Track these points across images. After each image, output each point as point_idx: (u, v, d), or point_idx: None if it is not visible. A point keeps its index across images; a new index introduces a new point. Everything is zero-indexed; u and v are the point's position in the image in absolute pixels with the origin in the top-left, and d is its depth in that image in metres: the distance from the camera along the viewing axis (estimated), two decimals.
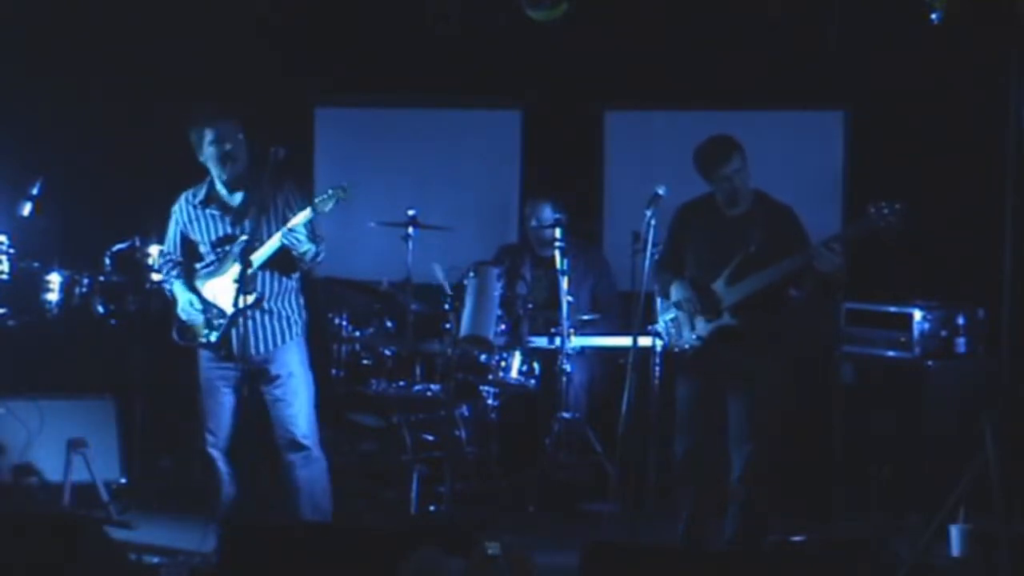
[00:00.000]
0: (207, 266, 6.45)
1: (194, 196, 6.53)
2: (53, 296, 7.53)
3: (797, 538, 6.47)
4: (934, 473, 6.84)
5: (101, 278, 7.61)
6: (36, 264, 7.59)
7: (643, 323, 6.58)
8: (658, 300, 6.64)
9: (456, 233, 7.66)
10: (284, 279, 6.42)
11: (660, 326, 6.59)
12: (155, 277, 6.72)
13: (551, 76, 8.29)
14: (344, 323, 7.58)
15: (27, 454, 7.17)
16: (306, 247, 6.25)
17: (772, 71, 7.93)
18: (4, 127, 7.93)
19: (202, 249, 6.47)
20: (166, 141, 8.26)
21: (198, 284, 6.45)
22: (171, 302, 6.56)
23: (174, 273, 6.53)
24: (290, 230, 6.19)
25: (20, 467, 7.16)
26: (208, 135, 6.40)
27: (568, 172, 8.35)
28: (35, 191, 7.63)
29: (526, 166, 8.58)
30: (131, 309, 7.59)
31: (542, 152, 8.50)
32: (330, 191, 6.23)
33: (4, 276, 7.41)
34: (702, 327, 6.42)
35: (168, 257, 6.61)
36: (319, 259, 6.39)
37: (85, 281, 7.59)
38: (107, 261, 7.64)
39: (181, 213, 6.56)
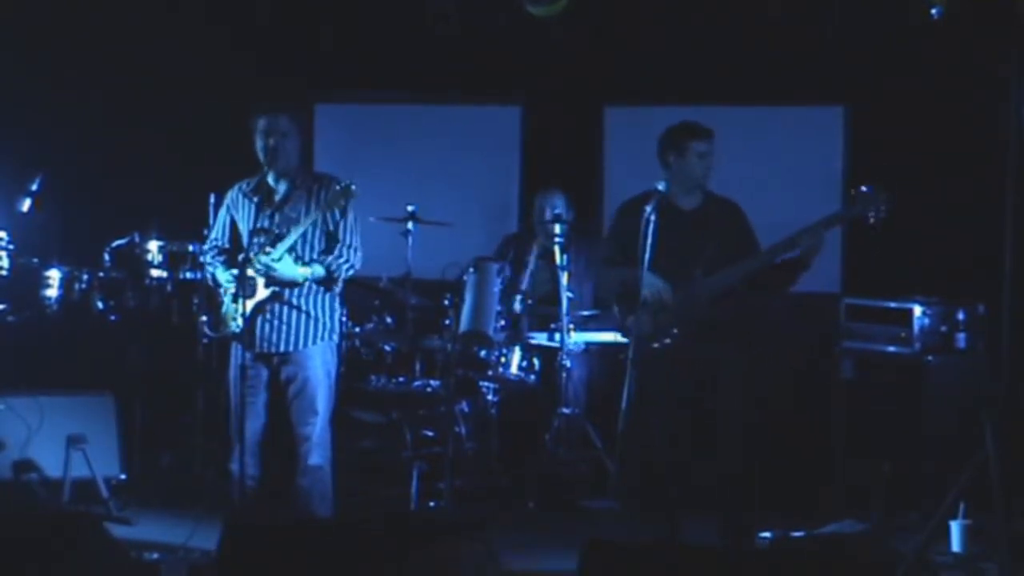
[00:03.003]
0: (247, 255, 6.40)
1: (247, 184, 6.55)
2: (52, 292, 7.53)
3: (797, 534, 6.47)
4: (934, 470, 6.84)
5: (100, 274, 7.62)
6: (35, 260, 7.60)
7: None
8: (615, 299, 6.55)
9: (456, 229, 7.66)
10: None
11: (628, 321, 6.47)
12: (205, 260, 6.75)
13: (551, 72, 8.29)
14: (344, 319, 7.57)
15: (27, 450, 7.15)
16: (293, 278, 6.27)
17: (772, 67, 7.93)
18: (4, 126, 7.93)
19: (243, 239, 6.48)
20: (165, 139, 8.32)
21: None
22: (197, 293, 6.54)
23: (219, 260, 6.55)
24: (265, 264, 6.23)
25: (20, 463, 7.14)
26: (259, 125, 6.40)
27: (568, 168, 8.34)
28: (34, 187, 7.64)
29: (526, 162, 8.58)
30: (130, 305, 7.60)
31: (542, 148, 8.50)
32: (338, 188, 6.23)
33: (4, 272, 7.42)
34: (675, 321, 6.33)
35: (214, 243, 6.63)
36: (340, 274, 6.39)
37: (84, 277, 7.59)
38: (106, 257, 7.64)
39: (232, 199, 6.57)
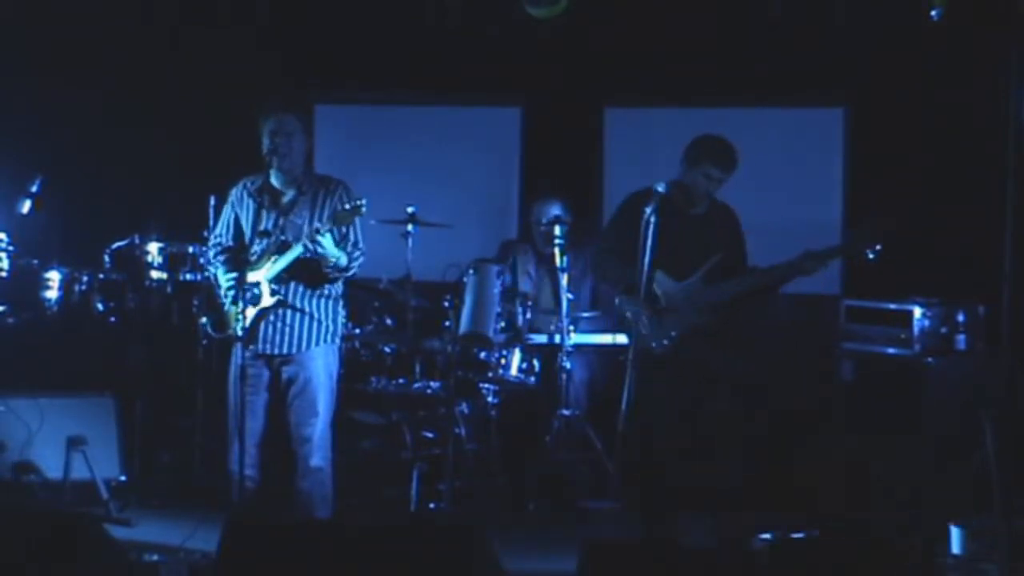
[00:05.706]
0: (248, 256, 6.39)
1: (252, 183, 6.51)
2: (52, 294, 7.53)
3: (796, 535, 6.46)
4: (934, 470, 6.84)
5: (100, 276, 7.62)
6: (35, 261, 7.60)
7: None
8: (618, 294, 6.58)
9: (456, 230, 7.66)
10: (320, 283, 6.42)
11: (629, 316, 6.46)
12: (209, 255, 6.74)
13: (551, 73, 8.30)
14: (344, 321, 7.57)
15: (27, 452, 7.16)
16: (332, 255, 6.25)
17: (772, 69, 7.94)
18: (4, 126, 7.93)
19: (246, 238, 6.46)
20: (165, 140, 8.32)
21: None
22: (197, 294, 6.51)
23: (221, 259, 6.53)
24: (312, 240, 6.19)
25: (20, 465, 7.14)
26: (267, 125, 6.37)
27: (568, 169, 8.35)
28: (35, 189, 7.64)
29: (526, 163, 8.59)
30: (130, 306, 7.60)
31: (542, 149, 8.51)
32: (348, 206, 6.22)
33: (4, 273, 7.42)
34: (674, 326, 6.34)
35: (217, 240, 6.61)
36: (352, 271, 6.39)
37: (84, 278, 7.59)
38: (106, 258, 7.64)
39: (236, 196, 6.54)
